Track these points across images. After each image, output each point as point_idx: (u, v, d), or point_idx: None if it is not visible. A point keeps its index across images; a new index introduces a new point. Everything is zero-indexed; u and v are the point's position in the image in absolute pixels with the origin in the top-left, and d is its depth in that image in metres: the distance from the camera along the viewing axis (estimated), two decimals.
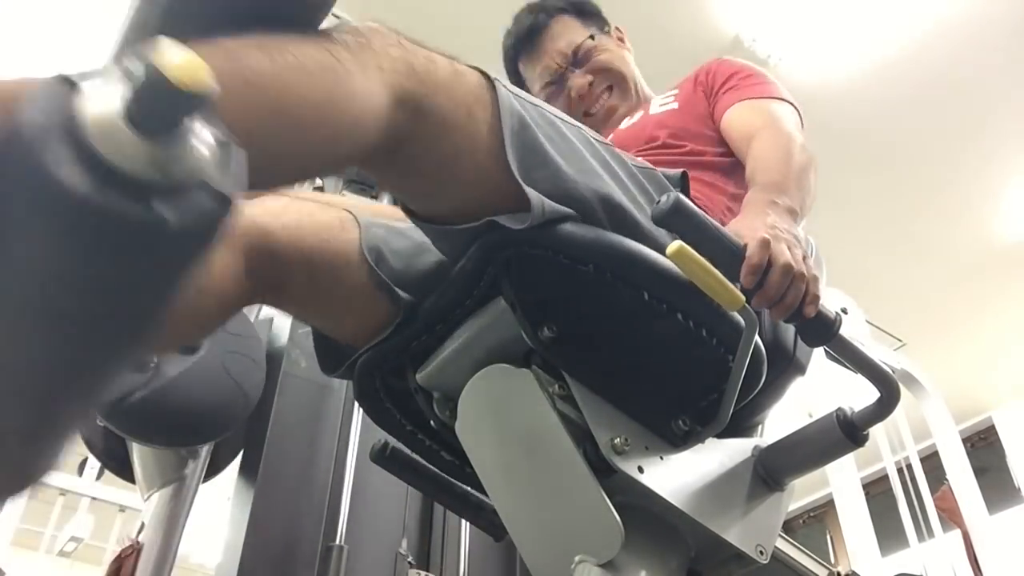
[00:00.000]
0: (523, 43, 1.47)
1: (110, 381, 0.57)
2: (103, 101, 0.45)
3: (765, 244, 0.77)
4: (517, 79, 1.50)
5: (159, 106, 0.45)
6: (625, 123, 1.39)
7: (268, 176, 0.66)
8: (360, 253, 0.91)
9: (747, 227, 0.82)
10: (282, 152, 0.64)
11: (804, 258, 0.80)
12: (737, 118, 1.18)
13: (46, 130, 0.44)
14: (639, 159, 0.97)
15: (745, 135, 1.14)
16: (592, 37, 1.44)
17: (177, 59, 0.44)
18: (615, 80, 1.45)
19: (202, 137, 0.48)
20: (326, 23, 0.70)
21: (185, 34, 0.58)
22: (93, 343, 0.53)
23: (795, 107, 1.20)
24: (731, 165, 1.17)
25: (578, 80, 1.43)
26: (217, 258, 0.84)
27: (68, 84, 0.46)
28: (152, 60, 0.44)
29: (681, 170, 0.98)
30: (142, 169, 0.45)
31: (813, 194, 1.03)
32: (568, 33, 1.45)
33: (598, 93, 1.45)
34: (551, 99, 1.44)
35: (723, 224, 0.96)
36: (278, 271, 0.89)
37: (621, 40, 1.52)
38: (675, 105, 1.31)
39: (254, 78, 0.60)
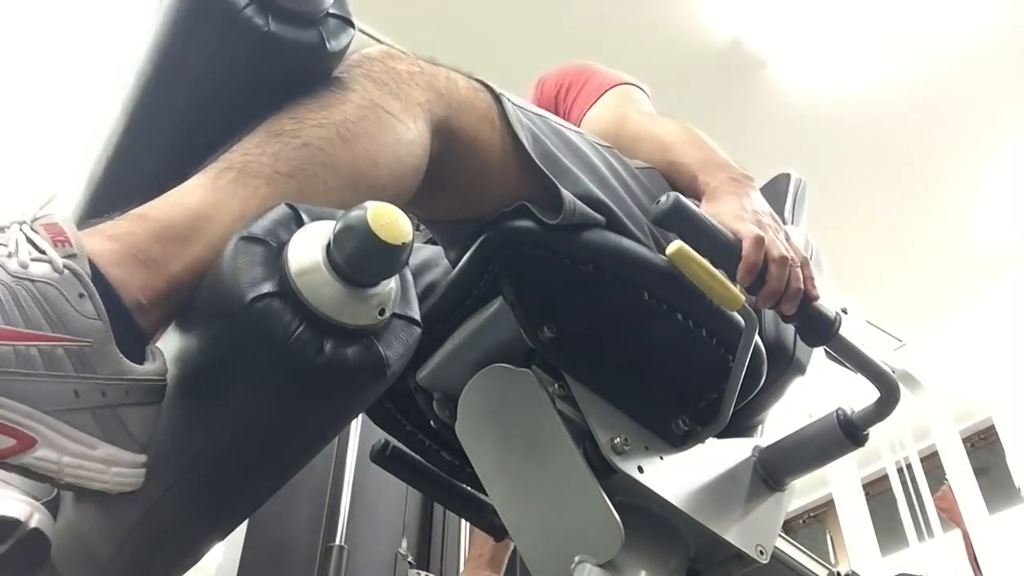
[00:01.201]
0: None
1: (265, 500, 0.65)
2: (307, 261, 0.49)
3: (760, 242, 0.77)
4: None
5: (376, 263, 0.49)
6: None
7: None
8: None
9: (730, 215, 0.82)
10: None
11: (787, 238, 0.81)
12: (597, 120, 1.15)
13: (273, 306, 0.48)
14: (638, 160, 0.97)
15: (613, 126, 1.10)
16: None
17: (382, 215, 0.48)
18: None
19: (398, 287, 0.54)
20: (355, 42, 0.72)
21: (210, 110, 0.61)
22: (278, 466, 0.60)
23: (634, 84, 1.18)
24: None
25: None
26: None
27: (265, 246, 0.51)
28: (364, 219, 0.48)
29: None
30: (364, 319, 0.49)
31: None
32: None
33: None
34: None
35: None
36: None
37: None
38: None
39: (330, 161, 0.62)
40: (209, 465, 0.55)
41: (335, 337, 0.48)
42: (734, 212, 0.83)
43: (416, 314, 0.53)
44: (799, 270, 0.79)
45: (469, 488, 1.01)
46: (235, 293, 0.48)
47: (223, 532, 0.67)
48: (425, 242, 1.03)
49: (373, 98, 0.68)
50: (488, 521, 1.01)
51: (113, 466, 0.47)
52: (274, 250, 0.50)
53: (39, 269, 0.47)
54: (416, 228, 0.88)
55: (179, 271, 0.53)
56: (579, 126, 1.15)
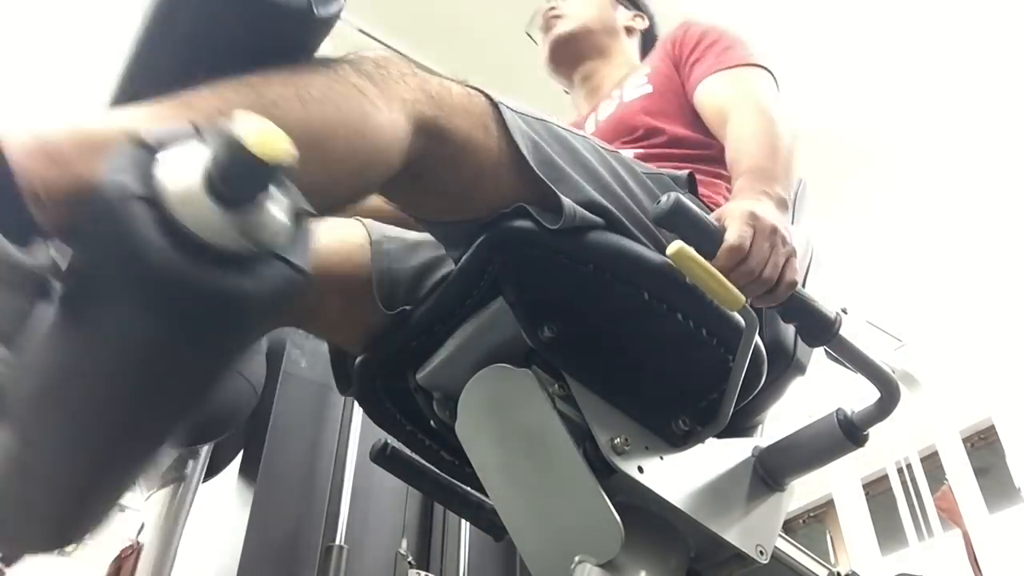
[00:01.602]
0: None
1: (161, 443, 0.58)
2: (184, 172, 0.47)
3: (739, 249, 0.77)
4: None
5: (242, 178, 0.46)
6: (603, 112, 1.35)
7: None
8: (368, 278, 0.91)
9: (731, 214, 0.81)
10: (314, 185, 0.65)
11: (784, 241, 0.80)
12: (709, 95, 1.14)
13: (130, 201, 0.45)
14: (648, 165, 0.97)
15: (718, 113, 1.10)
16: None
17: (259, 132, 0.46)
18: (569, 12, 1.48)
19: (280, 206, 0.50)
20: (349, 47, 0.72)
21: (194, 71, 0.60)
22: (154, 405, 0.54)
23: (767, 69, 1.14)
24: (720, 151, 1.11)
25: (544, 5, 1.50)
26: None
27: (146, 150, 0.48)
28: (234, 133, 0.45)
29: (687, 171, 0.98)
30: (224, 239, 0.46)
31: (795, 170, 1.00)
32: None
33: (549, 16, 1.49)
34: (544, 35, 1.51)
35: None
36: (311, 299, 0.89)
37: (638, 18, 1.54)
38: (649, 88, 1.28)
39: (280, 115, 0.60)
40: (75, 392, 0.52)
41: (191, 250, 0.45)
42: (736, 212, 0.83)
43: (303, 264, 0.49)
44: (783, 248, 0.79)
45: (469, 488, 1.01)
46: (103, 186, 0.46)
47: (105, 484, 0.60)
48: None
49: (349, 78, 0.67)
50: (488, 521, 1.01)
51: None
52: (152, 154, 0.48)
53: None
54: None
55: (87, 176, 0.50)
56: (695, 87, 1.16)
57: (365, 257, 0.92)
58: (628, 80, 1.34)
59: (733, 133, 1.03)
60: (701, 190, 1.04)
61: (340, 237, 0.92)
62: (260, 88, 0.62)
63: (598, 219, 0.76)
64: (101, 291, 0.48)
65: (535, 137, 0.80)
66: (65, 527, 0.59)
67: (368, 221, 0.97)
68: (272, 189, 0.49)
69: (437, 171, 0.75)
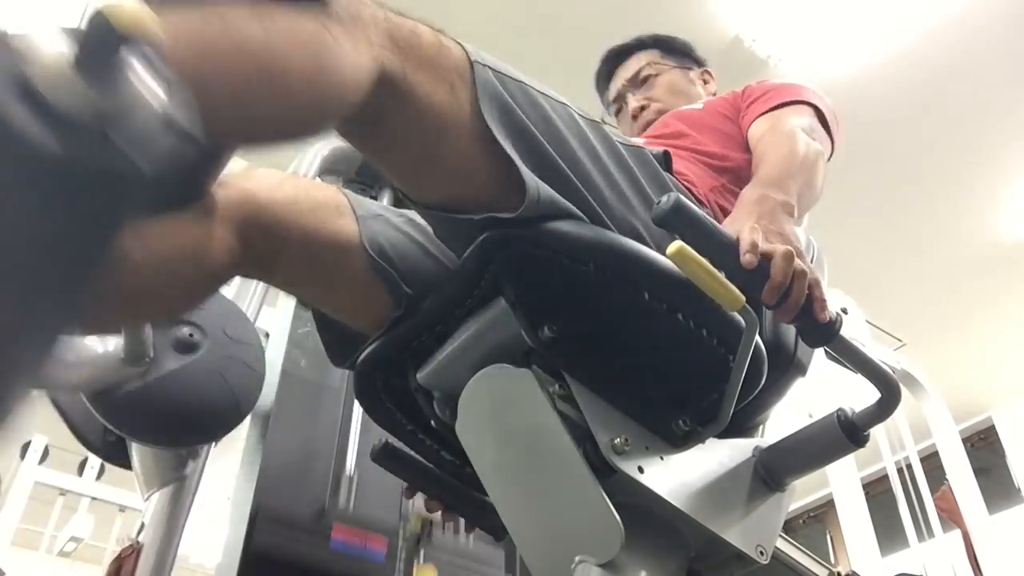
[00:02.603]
0: (606, 65, 1.63)
1: (62, 332, 0.57)
2: (51, 42, 0.46)
3: (789, 256, 0.76)
4: (603, 99, 1.66)
5: (99, 48, 0.46)
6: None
7: (249, 134, 0.68)
8: (360, 243, 0.91)
9: (733, 230, 0.81)
10: (266, 113, 0.65)
11: (799, 253, 0.80)
12: (753, 132, 1.20)
13: None
14: (630, 139, 0.97)
15: (755, 143, 1.15)
16: (651, 64, 1.56)
17: (123, 5, 0.46)
18: (666, 106, 1.52)
19: (147, 82, 0.49)
20: None
21: None
22: (45, 290, 0.52)
23: (813, 104, 1.20)
24: (735, 164, 1.17)
25: (632, 101, 1.54)
26: (208, 229, 0.85)
27: (13, 35, 0.47)
28: (99, 7, 0.45)
29: (663, 148, 1.00)
30: (76, 107, 0.46)
31: (818, 188, 1.02)
32: (643, 61, 1.57)
33: (648, 117, 1.53)
34: (618, 117, 1.59)
35: (707, 204, 0.98)
36: (271, 245, 0.88)
37: (705, 81, 1.60)
38: (699, 106, 1.38)
39: (244, 42, 0.60)
40: None
41: (51, 118, 0.45)
42: (738, 226, 0.83)
43: (141, 160, 0.48)
44: (805, 282, 0.77)
45: (469, 488, 1.01)
46: None
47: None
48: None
49: (316, 14, 0.66)
50: (488, 521, 1.01)
51: None
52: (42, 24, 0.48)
53: None
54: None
55: None
56: (746, 130, 1.22)
57: (355, 235, 0.91)
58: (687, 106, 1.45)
59: (756, 152, 1.10)
60: (688, 168, 1.07)
61: (324, 204, 0.92)
62: (226, 13, 0.60)
63: (563, 201, 0.75)
64: None
65: (509, 101, 0.77)
66: None
67: (349, 195, 0.96)
68: (141, 74, 0.48)
69: (397, 122, 0.73)
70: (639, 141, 1.05)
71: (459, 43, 0.77)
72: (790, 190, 0.93)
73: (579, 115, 0.87)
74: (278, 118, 0.66)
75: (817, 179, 1.02)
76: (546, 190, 0.74)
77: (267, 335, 1.90)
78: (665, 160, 0.98)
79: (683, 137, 1.24)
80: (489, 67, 0.77)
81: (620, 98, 1.59)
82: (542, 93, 0.83)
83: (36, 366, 0.58)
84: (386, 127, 0.73)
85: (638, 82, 1.56)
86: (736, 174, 1.14)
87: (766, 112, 1.20)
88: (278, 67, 0.63)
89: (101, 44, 0.46)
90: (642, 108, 1.53)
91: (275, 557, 1.63)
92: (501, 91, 0.77)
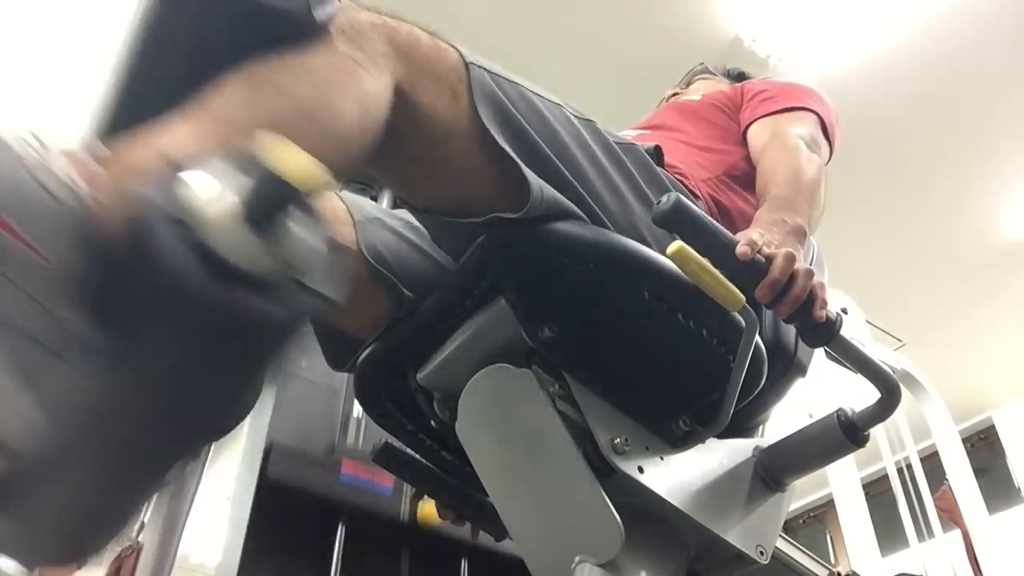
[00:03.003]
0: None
1: (186, 458, 0.59)
2: (216, 195, 0.47)
3: (790, 258, 0.77)
4: None
5: (272, 203, 0.47)
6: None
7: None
8: (357, 249, 0.90)
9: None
10: (332, 165, 0.65)
11: (808, 273, 0.80)
12: (751, 138, 1.20)
13: (165, 224, 0.46)
14: (621, 135, 0.97)
15: (757, 153, 1.15)
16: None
17: (290, 158, 0.46)
18: None
19: (311, 232, 0.51)
20: None
21: (195, 75, 0.60)
22: (182, 424, 0.55)
23: (814, 111, 1.20)
24: (728, 157, 1.18)
25: None
26: None
27: (182, 175, 0.48)
28: (267, 161, 0.46)
29: (654, 144, 1.00)
30: (254, 263, 0.47)
31: (822, 203, 1.04)
32: (704, 87, 1.55)
33: None
34: None
35: (700, 196, 0.99)
36: None
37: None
38: (697, 97, 1.38)
39: (306, 109, 0.62)
40: (111, 412, 0.52)
41: (222, 272, 0.46)
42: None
43: (331, 291, 0.51)
44: (806, 283, 0.78)
45: (469, 488, 1.01)
46: (138, 213, 0.47)
47: (130, 498, 0.61)
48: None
49: (338, 46, 0.67)
50: (488, 521, 1.01)
51: None
52: (187, 181, 0.48)
53: None
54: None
55: (129, 204, 0.50)
56: (745, 131, 1.21)
57: (352, 241, 0.91)
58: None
59: (762, 165, 1.09)
60: (679, 158, 1.08)
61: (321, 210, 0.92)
62: (279, 84, 0.62)
63: (567, 202, 0.75)
64: (134, 319, 0.48)
65: (506, 104, 0.77)
66: (86, 541, 0.60)
67: (347, 199, 0.96)
68: (302, 215, 0.50)
69: (401, 130, 0.74)
70: (631, 135, 1.05)
71: (452, 45, 0.77)
72: (803, 212, 0.94)
73: (574, 115, 0.88)
74: (340, 166, 0.66)
75: (821, 196, 1.03)
76: (549, 190, 0.74)
77: None
78: (657, 155, 0.99)
79: (675, 129, 1.24)
80: (484, 69, 0.78)
81: None
82: (536, 94, 0.84)
83: (161, 485, 0.62)
84: (396, 137, 0.74)
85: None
86: (730, 167, 1.14)
87: (767, 115, 1.20)
88: (337, 120, 0.65)
89: (275, 202, 0.47)
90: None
91: (276, 556, 1.63)
92: (497, 93, 0.77)
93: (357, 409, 1.83)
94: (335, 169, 0.65)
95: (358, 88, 0.67)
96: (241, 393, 0.56)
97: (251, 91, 0.61)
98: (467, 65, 0.76)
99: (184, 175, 0.48)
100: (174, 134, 0.58)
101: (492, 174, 0.76)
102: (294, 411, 1.78)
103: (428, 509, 1.66)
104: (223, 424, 0.59)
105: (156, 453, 0.55)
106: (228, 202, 0.47)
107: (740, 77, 1.59)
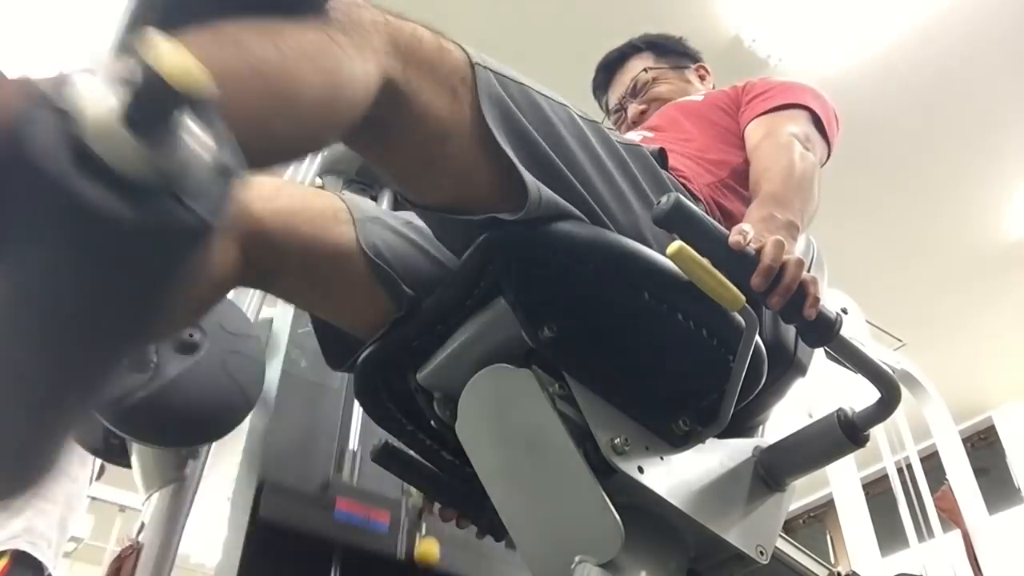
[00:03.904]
0: (601, 75, 1.63)
1: (104, 382, 0.57)
2: (100, 100, 0.45)
3: (779, 245, 0.77)
4: (602, 107, 1.64)
5: (156, 106, 0.45)
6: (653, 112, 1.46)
7: (267, 156, 0.67)
8: (358, 247, 0.90)
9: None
10: (283, 134, 0.64)
11: (799, 263, 0.80)
12: (749, 135, 1.20)
13: (45, 133, 0.44)
14: (626, 136, 0.98)
15: (752, 151, 1.16)
16: (647, 70, 1.55)
17: (174, 58, 0.44)
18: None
19: (199, 137, 0.48)
20: None
21: (184, 21, 0.59)
22: (88, 343, 0.53)
23: (809, 108, 1.20)
24: (731, 160, 1.18)
25: (632, 108, 1.54)
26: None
27: (65, 82, 0.46)
28: (149, 60, 0.44)
29: (659, 146, 1.00)
30: (138, 169, 0.45)
31: (816, 200, 1.03)
32: (638, 68, 1.56)
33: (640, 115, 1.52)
34: (618, 125, 1.57)
35: (703, 200, 0.99)
36: (272, 257, 0.88)
37: (702, 77, 1.60)
38: (699, 97, 1.39)
39: (260, 65, 0.60)
40: (8, 327, 0.51)
41: (89, 168, 0.44)
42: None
43: (204, 212, 0.48)
44: (798, 272, 0.78)
45: (469, 488, 1.01)
46: (21, 102, 0.45)
47: (52, 421, 0.58)
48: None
49: (322, 27, 0.66)
50: (488, 521, 1.01)
51: None
52: (75, 77, 0.47)
53: None
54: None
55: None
56: (745, 127, 1.22)
57: (352, 240, 0.91)
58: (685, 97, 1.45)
59: (755, 162, 1.10)
60: (682, 163, 1.08)
61: (322, 212, 0.92)
62: (239, 37, 0.61)
63: (564, 203, 0.75)
64: (15, 222, 0.47)
65: (510, 105, 0.77)
66: (13, 473, 0.58)
67: (348, 199, 0.96)
68: (191, 125, 0.48)
69: (400, 127, 0.74)
70: (636, 137, 1.06)
71: (459, 45, 0.77)
72: (795, 208, 0.94)
73: (579, 116, 0.87)
74: (293, 136, 0.66)
75: (815, 193, 1.03)
76: (547, 192, 0.74)
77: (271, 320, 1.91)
78: (661, 157, 0.99)
79: (679, 131, 1.24)
80: (490, 69, 0.77)
81: (620, 108, 1.59)
82: (542, 95, 0.84)
83: (87, 408, 0.59)
84: (389, 132, 0.73)
85: (636, 91, 1.56)
86: (733, 170, 1.14)
87: (763, 114, 1.20)
88: (294, 88, 0.63)
89: (156, 104, 0.45)
90: (642, 113, 1.52)
91: (275, 556, 1.63)
92: (502, 93, 0.77)
93: (353, 441, 1.80)
94: (284, 135, 0.64)
95: (330, 65, 0.65)
96: (136, 311, 0.53)
97: (207, 37, 0.59)
98: (473, 66, 0.76)
99: (74, 76, 0.46)
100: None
101: (492, 174, 0.76)
102: (286, 450, 1.75)
103: (425, 547, 1.64)
104: (119, 344, 0.56)
105: (57, 373, 0.53)
106: (110, 102, 0.45)
107: (679, 51, 1.60)
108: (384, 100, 0.70)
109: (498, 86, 0.77)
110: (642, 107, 1.53)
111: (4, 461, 0.57)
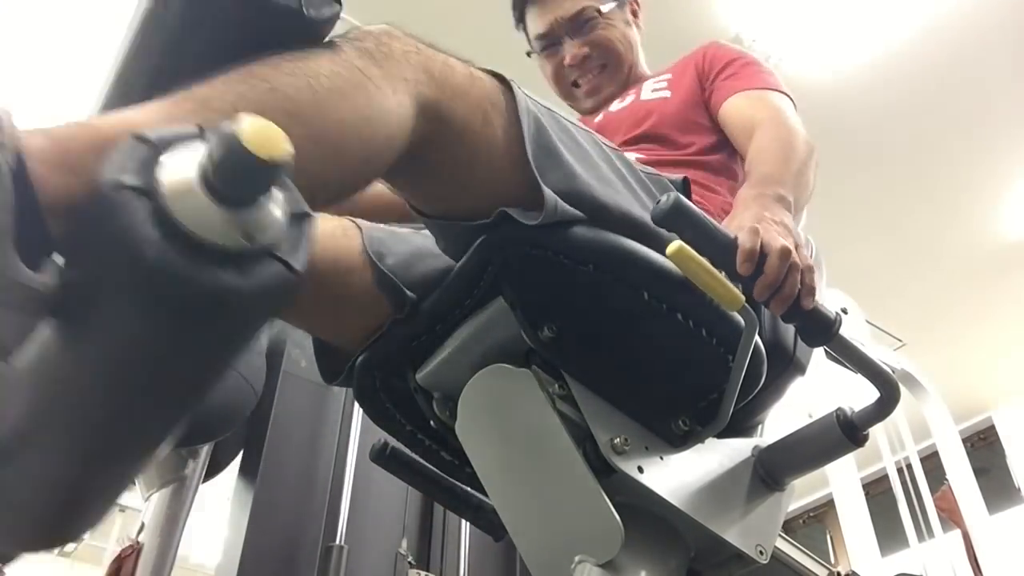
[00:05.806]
0: None
1: (160, 442, 0.58)
2: (183, 169, 0.46)
3: (754, 231, 0.77)
4: (521, 23, 1.47)
5: (241, 177, 0.46)
6: (615, 106, 1.36)
7: (310, 201, 0.68)
8: (363, 255, 0.90)
9: (735, 225, 0.82)
10: (323, 176, 0.64)
11: (798, 247, 0.80)
12: (736, 109, 1.18)
13: (126, 193, 0.45)
14: (647, 166, 0.97)
15: (745, 128, 1.14)
16: (599, 11, 1.39)
17: (258, 131, 0.45)
18: (611, 60, 1.41)
19: (279, 204, 0.49)
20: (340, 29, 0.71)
21: (186, 69, 0.59)
22: (152, 404, 0.54)
23: (791, 99, 1.20)
24: (723, 162, 1.18)
25: (573, 49, 1.39)
26: None
27: (149, 148, 0.47)
28: (233, 132, 0.45)
29: (683, 175, 0.99)
30: (219, 236, 0.46)
31: (811, 186, 1.03)
32: (583, 2, 1.39)
33: (590, 67, 1.41)
34: (544, 59, 1.43)
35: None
36: (306, 297, 0.87)
37: (635, 14, 1.47)
38: (667, 93, 1.29)
39: (295, 109, 0.60)
40: (75, 394, 0.51)
41: (187, 247, 0.45)
42: (738, 222, 0.83)
43: (299, 264, 0.50)
44: (798, 275, 0.78)
45: (469, 488, 1.01)
46: (101, 182, 0.46)
47: (104, 483, 0.59)
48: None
49: (352, 60, 0.66)
50: (488, 521, 1.01)
51: None
52: (153, 153, 0.47)
53: None
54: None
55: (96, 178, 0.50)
56: (721, 101, 1.19)
57: (359, 252, 0.91)
58: (646, 83, 1.36)
59: (755, 144, 1.07)
60: (695, 197, 1.05)
61: (331, 233, 0.92)
62: (272, 80, 0.61)
63: (578, 212, 0.75)
64: (97, 291, 0.47)
65: (542, 121, 0.79)
66: (63, 526, 0.59)
67: (355, 219, 0.96)
68: (271, 188, 0.49)
69: (434, 155, 0.74)
70: (636, 156, 1.04)
71: (489, 71, 0.79)
72: (787, 186, 0.95)
73: (603, 142, 0.89)
74: (336, 177, 0.66)
75: (812, 178, 1.03)
76: (563, 205, 0.75)
77: None
78: (684, 187, 0.98)
79: (666, 142, 1.21)
80: (523, 91, 0.79)
81: (551, 37, 1.41)
82: (567, 120, 0.86)
83: (137, 469, 0.60)
84: (423, 158, 0.74)
85: (578, 25, 1.39)
86: (734, 181, 1.14)
87: (748, 91, 1.18)
88: (330, 127, 0.63)
89: (249, 180, 0.46)
90: (585, 58, 1.39)
91: (275, 556, 1.63)
92: (535, 111, 0.79)
93: (353, 441, 1.80)
94: (324, 179, 0.63)
95: (365, 102, 0.65)
96: (215, 372, 0.55)
97: (238, 82, 0.60)
98: (509, 86, 0.78)
99: (147, 145, 0.47)
100: (147, 110, 0.57)
101: (515, 186, 0.76)
102: (286, 450, 1.74)
103: None
104: (195, 402, 0.57)
105: (128, 433, 0.54)
106: (190, 173, 0.46)
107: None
108: (420, 127, 0.71)
109: (532, 106, 0.79)
110: (585, 50, 1.39)
111: (56, 512, 0.57)
